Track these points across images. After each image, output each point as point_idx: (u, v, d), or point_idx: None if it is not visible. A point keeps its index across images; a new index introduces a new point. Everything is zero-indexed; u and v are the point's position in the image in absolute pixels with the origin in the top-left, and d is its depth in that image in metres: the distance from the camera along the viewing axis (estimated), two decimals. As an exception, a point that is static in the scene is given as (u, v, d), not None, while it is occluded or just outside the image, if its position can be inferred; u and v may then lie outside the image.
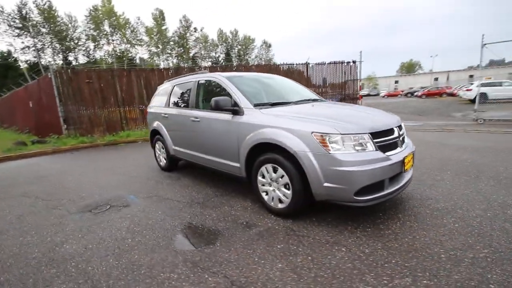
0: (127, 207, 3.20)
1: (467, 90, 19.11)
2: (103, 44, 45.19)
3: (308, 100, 3.44)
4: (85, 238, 2.50)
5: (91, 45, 45.14)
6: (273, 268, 1.88)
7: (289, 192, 2.52)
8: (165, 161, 4.67)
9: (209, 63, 53.68)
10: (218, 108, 2.98)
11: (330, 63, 11.90)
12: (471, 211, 2.53)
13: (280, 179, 2.57)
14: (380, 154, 2.28)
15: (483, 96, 17.29)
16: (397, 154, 2.43)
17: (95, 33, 44.38)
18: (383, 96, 40.86)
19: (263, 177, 2.76)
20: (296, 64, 11.69)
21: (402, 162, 2.41)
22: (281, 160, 2.50)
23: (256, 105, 2.92)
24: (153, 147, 4.99)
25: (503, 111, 11.33)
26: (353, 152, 2.22)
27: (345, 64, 12.02)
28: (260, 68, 11.83)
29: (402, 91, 43.03)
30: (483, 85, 18.74)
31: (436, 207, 2.66)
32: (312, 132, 2.28)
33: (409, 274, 1.73)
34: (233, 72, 3.77)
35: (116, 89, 9.94)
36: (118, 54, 45.23)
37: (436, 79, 54.86)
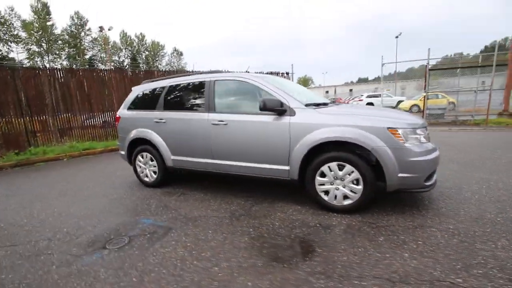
0: (155, 233, 2.53)
1: (359, 100, 23.96)
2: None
3: (333, 102, 3.64)
4: (147, 281, 1.84)
5: None
6: (404, 258, 1.92)
7: (359, 187, 2.59)
8: (155, 176, 3.90)
9: (112, 68, 47.29)
10: (266, 109, 2.79)
11: (267, 73, 12.64)
12: (471, 186, 3.26)
13: (348, 175, 2.62)
14: (431, 145, 2.67)
15: (371, 105, 22.29)
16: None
17: None
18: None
19: (323, 176, 2.74)
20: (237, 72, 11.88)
21: (438, 151, 2.90)
22: (350, 157, 2.57)
23: (306, 105, 2.88)
24: (133, 161, 4.08)
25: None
26: (418, 144, 2.51)
27: (280, 75, 13.03)
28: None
29: (306, 101, 49.64)
30: (369, 96, 24.11)
31: (447, 186, 3.29)
32: (388, 128, 2.46)
33: (500, 237, 2.10)
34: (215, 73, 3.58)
35: (19, 93, 7.55)
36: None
37: (327, 92, 65.98)
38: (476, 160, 4.44)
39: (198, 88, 3.53)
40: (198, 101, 3.49)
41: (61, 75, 8.36)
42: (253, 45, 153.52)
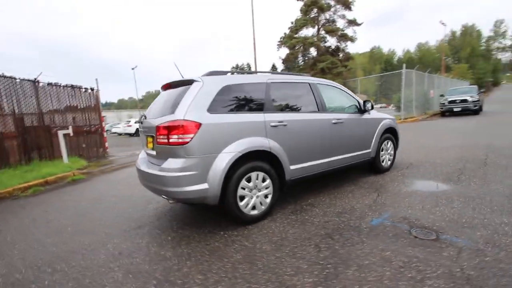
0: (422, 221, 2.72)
1: (128, 126, 22.88)
2: None
3: None
4: None
5: None
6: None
7: (392, 152, 4.57)
8: (267, 201, 2.88)
9: None
10: (371, 109, 3.89)
11: (66, 86, 9.03)
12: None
13: (390, 147, 4.50)
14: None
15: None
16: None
17: None
18: None
19: (382, 150, 4.36)
20: (20, 79, 7.42)
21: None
22: (391, 136, 4.49)
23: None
24: (232, 191, 2.56)
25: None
26: (392, 127, 5.04)
27: (84, 90, 9.80)
28: None
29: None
30: (136, 122, 23.85)
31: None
32: (394, 119, 4.72)
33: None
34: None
35: None
36: None
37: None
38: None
39: (302, 89, 3.39)
40: (306, 102, 3.37)
41: None
42: None
